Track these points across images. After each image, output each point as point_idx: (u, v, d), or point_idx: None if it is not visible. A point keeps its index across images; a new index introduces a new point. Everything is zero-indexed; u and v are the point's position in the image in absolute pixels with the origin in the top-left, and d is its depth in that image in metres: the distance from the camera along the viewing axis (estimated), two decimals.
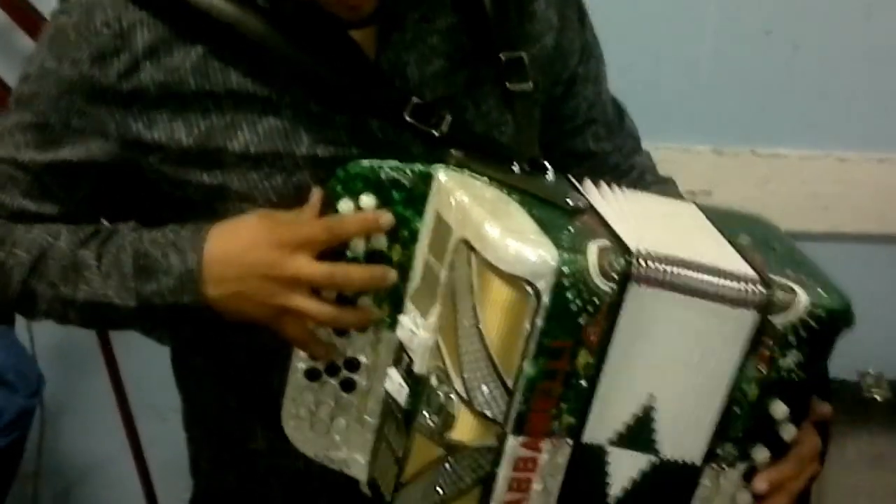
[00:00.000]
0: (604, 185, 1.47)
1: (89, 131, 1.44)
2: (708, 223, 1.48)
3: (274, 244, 1.36)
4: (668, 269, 1.29)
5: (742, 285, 1.32)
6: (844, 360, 1.48)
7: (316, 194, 1.38)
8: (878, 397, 2.81)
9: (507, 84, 1.50)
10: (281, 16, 1.39)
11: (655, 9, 2.59)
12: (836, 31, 2.59)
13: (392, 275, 1.38)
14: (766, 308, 1.32)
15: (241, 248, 1.38)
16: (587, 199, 1.39)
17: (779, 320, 1.33)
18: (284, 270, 1.35)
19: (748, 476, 1.42)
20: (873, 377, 2.82)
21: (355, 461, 1.49)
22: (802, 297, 1.32)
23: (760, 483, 1.40)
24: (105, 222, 1.55)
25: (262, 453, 1.63)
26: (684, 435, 1.38)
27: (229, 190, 1.46)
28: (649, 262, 1.27)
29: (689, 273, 1.30)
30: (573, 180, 1.46)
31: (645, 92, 2.55)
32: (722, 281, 1.31)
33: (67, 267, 1.46)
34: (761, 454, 1.41)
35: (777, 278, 1.34)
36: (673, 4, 2.60)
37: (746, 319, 1.33)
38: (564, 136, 1.67)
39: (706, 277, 1.31)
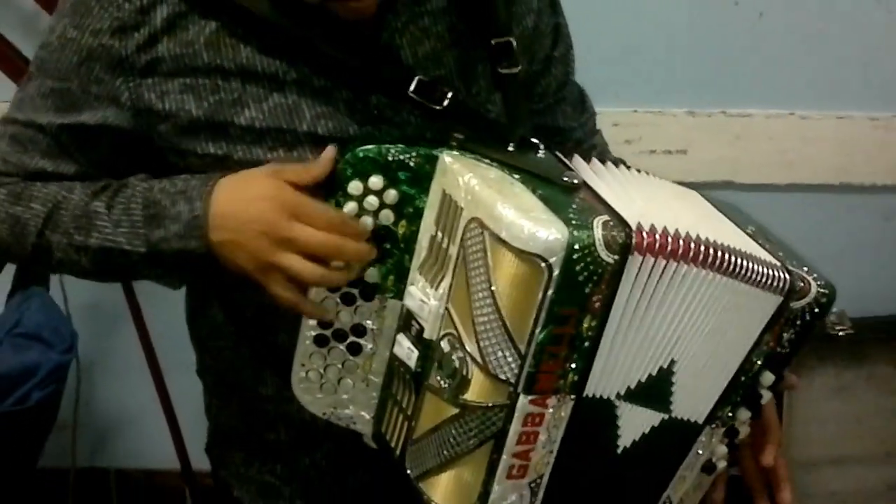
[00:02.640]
0: (596, 161, 1.49)
1: (105, 98, 1.43)
2: (716, 210, 1.53)
3: (277, 205, 1.34)
4: (676, 242, 1.31)
5: (774, 272, 1.38)
6: None
7: (329, 151, 1.37)
8: (841, 334, 2.84)
9: (498, 68, 1.49)
10: (286, 1, 1.37)
11: None
12: (798, 1, 2.59)
13: (374, 253, 1.39)
14: (789, 294, 1.39)
15: (245, 201, 1.36)
16: (580, 176, 1.39)
17: (795, 304, 1.40)
18: (280, 231, 1.34)
19: (728, 432, 1.49)
20: (836, 315, 2.85)
21: (361, 417, 1.49)
22: (813, 286, 1.41)
23: (768, 458, 1.54)
24: None
25: (270, 399, 1.63)
26: (697, 398, 1.44)
27: (232, 161, 1.44)
28: (650, 235, 1.28)
29: (714, 253, 1.34)
30: (562, 157, 1.47)
31: (625, 61, 2.60)
32: (755, 266, 1.37)
33: (80, 216, 1.44)
34: (744, 415, 1.48)
35: (792, 268, 1.41)
36: None
37: (773, 302, 1.40)
38: (536, 113, 1.65)
39: (738, 260, 1.35)
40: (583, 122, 1.76)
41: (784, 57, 2.64)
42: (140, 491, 3.23)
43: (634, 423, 1.41)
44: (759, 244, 1.44)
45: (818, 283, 1.41)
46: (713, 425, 1.47)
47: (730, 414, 1.47)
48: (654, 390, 1.39)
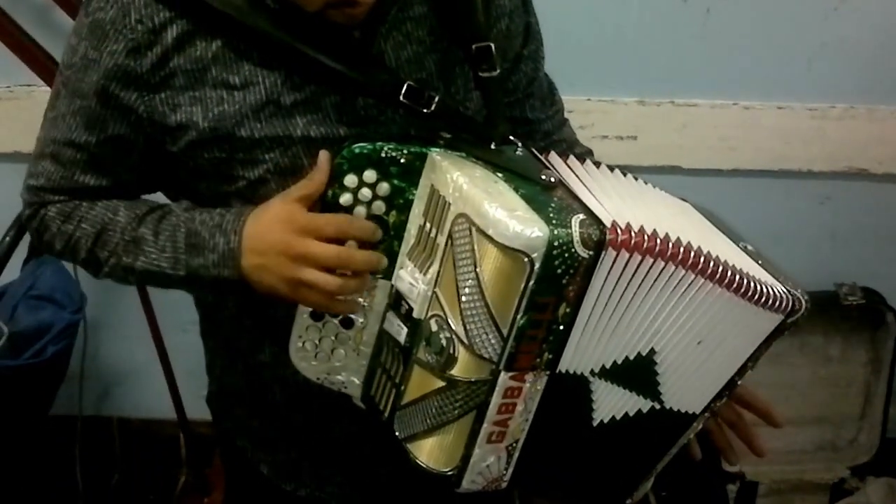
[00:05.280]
0: (573, 159, 1.48)
1: (125, 111, 1.44)
2: (709, 223, 1.53)
3: (289, 228, 1.37)
4: (654, 240, 1.31)
5: (777, 295, 1.40)
6: None
7: (323, 155, 1.38)
8: (855, 304, 2.88)
9: (479, 72, 1.47)
10: (286, 14, 1.36)
11: None
12: None
13: (384, 261, 1.41)
14: (789, 314, 1.41)
15: (265, 230, 1.40)
16: (557, 173, 1.40)
17: (790, 320, 1.42)
18: (296, 249, 1.37)
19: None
20: (849, 287, 2.90)
21: (352, 382, 1.51)
22: (804, 302, 1.42)
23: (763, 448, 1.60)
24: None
25: (267, 364, 1.64)
26: (692, 394, 1.47)
27: (235, 160, 1.45)
28: (624, 232, 1.29)
29: (697, 257, 1.34)
30: (538, 154, 1.47)
31: (581, 53, 2.58)
32: (759, 287, 1.38)
33: (129, 241, 1.49)
34: (723, 400, 1.51)
35: (790, 288, 1.42)
36: None
37: (774, 320, 1.42)
38: (506, 106, 1.63)
39: (743, 280, 1.37)
40: (551, 115, 1.74)
41: (729, 51, 2.64)
42: (139, 437, 3.25)
43: (611, 400, 1.43)
44: (760, 264, 1.45)
45: (804, 297, 1.42)
46: (706, 413, 1.51)
47: (719, 404, 1.51)
48: (635, 374, 1.40)
